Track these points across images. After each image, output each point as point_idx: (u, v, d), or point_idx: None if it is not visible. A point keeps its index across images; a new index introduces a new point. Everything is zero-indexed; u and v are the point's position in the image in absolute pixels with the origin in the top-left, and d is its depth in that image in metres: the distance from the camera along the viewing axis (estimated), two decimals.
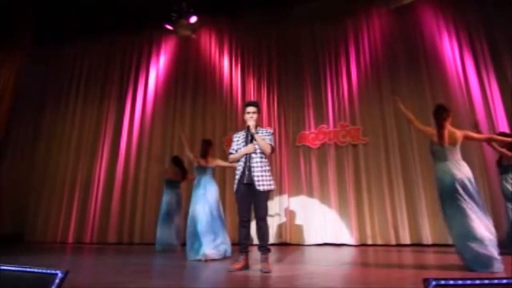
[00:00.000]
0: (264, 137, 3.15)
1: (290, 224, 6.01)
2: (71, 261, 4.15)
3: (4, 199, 7.27)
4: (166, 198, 5.24)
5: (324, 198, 5.99)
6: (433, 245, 5.25)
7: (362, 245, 5.56)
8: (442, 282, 1.54)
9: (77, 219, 6.94)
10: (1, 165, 7.46)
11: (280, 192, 6.18)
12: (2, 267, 2.03)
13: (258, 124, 3.30)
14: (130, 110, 7.37)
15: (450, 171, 2.96)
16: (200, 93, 7.10)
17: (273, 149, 3.18)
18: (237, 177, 3.11)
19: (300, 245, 5.82)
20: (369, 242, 5.58)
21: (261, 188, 2.98)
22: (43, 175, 7.40)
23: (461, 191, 2.88)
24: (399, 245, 5.44)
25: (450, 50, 6.11)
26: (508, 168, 4.13)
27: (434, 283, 1.54)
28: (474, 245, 2.74)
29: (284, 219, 6.05)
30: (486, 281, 1.52)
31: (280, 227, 6.04)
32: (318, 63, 6.66)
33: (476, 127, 3.75)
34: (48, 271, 2.10)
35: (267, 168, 3.11)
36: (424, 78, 6.06)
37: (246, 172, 3.07)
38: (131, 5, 6.97)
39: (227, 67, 7.14)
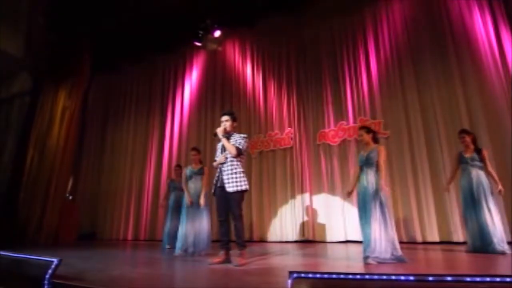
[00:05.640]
0: (236, 141, 3.43)
1: (312, 222, 6.10)
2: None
3: (83, 205, 8.84)
4: None
5: (346, 195, 5.91)
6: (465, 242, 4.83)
7: None
8: (302, 275, 1.71)
9: (134, 219, 8.08)
10: (78, 177, 9.09)
11: (302, 190, 6.30)
12: (8, 254, 2.75)
13: (235, 130, 3.59)
14: (170, 121, 8.28)
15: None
16: (227, 101, 7.61)
17: (239, 151, 3.37)
18: (214, 181, 3.48)
19: (323, 242, 5.87)
20: None
21: (230, 189, 3.28)
22: (108, 183, 8.76)
23: None
24: (426, 242, 5.14)
25: (483, 26, 5.48)
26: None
27: (295, 275, 1.72)
28: None
29: (306, 217, 6.16)
30: (342, 276, 1.64)
31: (303, 224, 6.16)
32: (336, 59, 6.59)
33: None
34: (46, 259, 2.76)
35: (238, 170, 3.36)
36: (452, 63, 5.56)
37: (220, 176, 3.41)
38: (166, 29, 7.82)
39: (250, 73, 7.51)
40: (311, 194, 6.23)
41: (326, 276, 1.64)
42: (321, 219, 6.07)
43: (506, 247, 3.56)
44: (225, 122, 3.51)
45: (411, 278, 1.50)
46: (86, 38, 8.37)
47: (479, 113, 5.19)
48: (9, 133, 8.22)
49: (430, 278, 1.48)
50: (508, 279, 1.42)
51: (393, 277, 1.53)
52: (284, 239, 6.19)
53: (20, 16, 7.96)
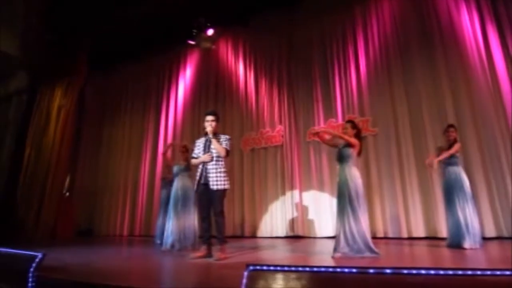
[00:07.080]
0: (222, 142, 3.55)
1: (302, 218, 6.21)
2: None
3: (80, 202, 9.00)
4: None
5: (334, 192, 5.92)
6: None
7: (372, 238, 5.45)
8: (258, 267, 1.82)
9: (130, 215, 8.24)
10: (75, 174, 9.25)
11: (292, 187, 6.41)
12: None
13: (217, 131, 3.69)
14: (164, 118, 8.42)
15: None
16: (220, 98, 7.71)
17: (227, 152, 3.55)
18: (197, 178, 3.59)
19: (312, 237, 5.99)
20: (380, 235, 5.48)
21: (214, 187, 3.41)
22: (105, 180, 8.91)
23: None
24: (411, 238, 5.24)
25: (470, 25, 5.53)
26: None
27: (251, 268, 1.83)
28: None
29: (296, 213, 6.27)
30: (293, 268, 1.75)
31: (292, 221, 6.28)
32: (326, 57, 6.65)
33: None
34: (31, 253, 2.88)
35: (222, 169, 3.51)
36: (440, 61, 5.60)
37: (204, 174, 3.52)
38: (161, 28, 7.91)
39: (242, 71, 7.60)
40: (300, 191, 6.34)
41: (279, 268, 1.75)
42: (310, 215, 6.18)
43: (477, 242, 3.68)
44: (211, 122, 3.60)
45: (354, 270, 1.61)
46: (82, 37, 8.48)
47: (466, 111, 5.26)
48: (7, 131, 8.39)
49: (371, 271, 1.59)
50: (441, 272, 1.52)
51: (338, 270, 1.64)
52: (275, 235, 6.32)
53: (17, 16, 8.08)
